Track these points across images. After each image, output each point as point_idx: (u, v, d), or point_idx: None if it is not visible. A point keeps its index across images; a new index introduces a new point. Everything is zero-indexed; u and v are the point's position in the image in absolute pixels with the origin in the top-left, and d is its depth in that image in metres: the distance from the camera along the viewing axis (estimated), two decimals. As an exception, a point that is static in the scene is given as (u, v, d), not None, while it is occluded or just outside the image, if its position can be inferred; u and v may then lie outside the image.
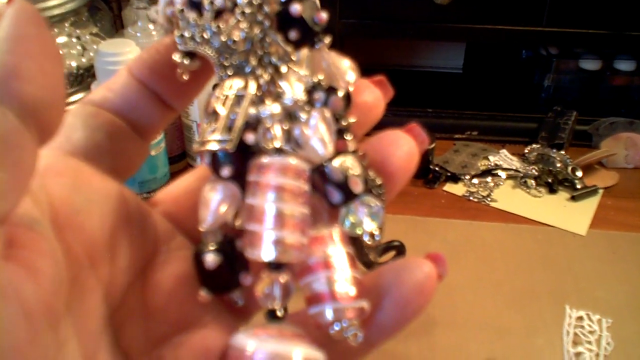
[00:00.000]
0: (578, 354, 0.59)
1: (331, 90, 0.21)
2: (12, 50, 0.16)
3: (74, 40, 0.78)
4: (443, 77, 1.09)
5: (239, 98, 0.20)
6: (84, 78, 0.76)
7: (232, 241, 0.21)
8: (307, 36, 0.21)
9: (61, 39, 0.77)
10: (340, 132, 0.21)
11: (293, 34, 0.21)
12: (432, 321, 0.62)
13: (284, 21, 0.21)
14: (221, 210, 0.20)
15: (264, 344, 0.18)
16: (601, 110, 0.95)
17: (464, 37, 1.01)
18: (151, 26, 0.78)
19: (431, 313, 0.63)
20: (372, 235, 0.20)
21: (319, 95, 0.20)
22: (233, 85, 0.20)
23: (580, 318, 0.62)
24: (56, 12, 0.76)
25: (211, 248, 0.20)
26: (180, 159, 0.81)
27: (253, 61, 0.21)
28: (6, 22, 0.17)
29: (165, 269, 0.22)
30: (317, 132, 0.20)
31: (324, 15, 0.21)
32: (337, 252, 0.20)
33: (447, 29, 0.93)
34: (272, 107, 0.20)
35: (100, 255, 0.19)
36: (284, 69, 0.21)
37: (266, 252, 0.19)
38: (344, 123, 0.21)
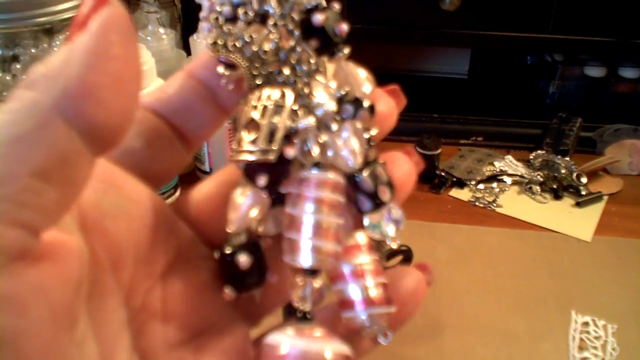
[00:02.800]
0: (584, 359, 0.59)
1: (358, 102, 0.22)
2: (92, 66, 0.15)
3: (85, 43, 0.79)
4: (448, 83, 1.09)
5: (277, 108, 0.20)
6: (94, 81, 0.77)
7: (257, 243, 0.22)
8: (327, 46, 0.22)
9: (72, 42, 0.77)
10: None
11: (313, 43, 0.21)
12: (440, 325, 0.63)
13: (306, 30, 0.21)
14: (251, 214, 0.21)
15: (297, 342, 0.19)
16: (606, 117, 0.95)
17: (469, 43, 1.01)
18: (162, 30, 0.79)
19: (438, 317, 0.64)
20: (394, 240, 0.22)
21: (347, 108, 0.21)
22: (272, 95, 0.21)
23: (585, 323, 0.63)
24: (67, 15, 0.76)
25: (241, 249, 0.21)
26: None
27: (286, 71, 0.21)
28: (93, 30, 0.16)
29: (186, 276, 0.22)
30: (348, 144, 0.21)
31: (345, 27, 0.21)
32: (368, 260, 0.21)
33: (453, 34, 0.93)
34: (308, 120, 0.21)
35: (123, 260, 0.20)
36: (318, 78, 0.21)
37: (304, 259, 0.20)
38: (368, 134, 0.22)
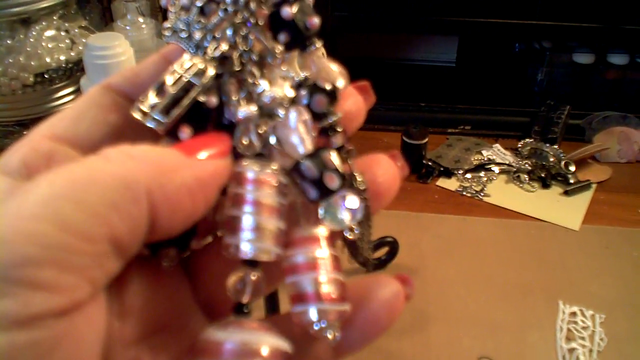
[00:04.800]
0: (571, 350, 0.58)
1: (315, 87, 0.21)
2: (191, 188, 0.18)
3: (63, 33, 0.77)
4: (436, 71, 1.08)
5: (191, 84, 0.20)
6: (72, 72, 0.75)
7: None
8: (298, 40, 0.21)
9: (49, 33, 0.75)
10: (327, 129, 0.21)
11: (282, 37, 0.21)
12: (426, 317, 0.62)
13: (276, 23, 0.21)
14: None
15: (233, 335, 0.19)
16: (594, 104, 0.95)
17: (456, 31, 1.00)
18: (141, 19, 0.77)
19: (424, 309, 0.63)
20: (350, 229, 0.21)
21: (302, 93, 0.21)
22: (192, 68, 0.20)
23: (573, 314, 0.62)
24: (44, 4, 0.75)
25: None
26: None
27: (224, 47, 0.21)
28: (209, 171, 0.19)
29: (143, 271, 0.21)
30: (295, 130, 0.20)
31: (316, 21, 0.21)
32: (324, 254, 0.21)
33: (440, 22, 0.92)
34: (249, 108, 0.20)
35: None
36: (275, 66, 0.21)
37: (244, 248, 0.19)
38: (330, 120, 0.21)
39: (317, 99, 0.21)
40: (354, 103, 0.24)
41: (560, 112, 0.90)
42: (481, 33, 0.96)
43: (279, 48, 0.21)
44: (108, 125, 0.21)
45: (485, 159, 0.85)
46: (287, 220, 0.21)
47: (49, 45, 0.74)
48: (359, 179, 0.22)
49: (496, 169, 0.84)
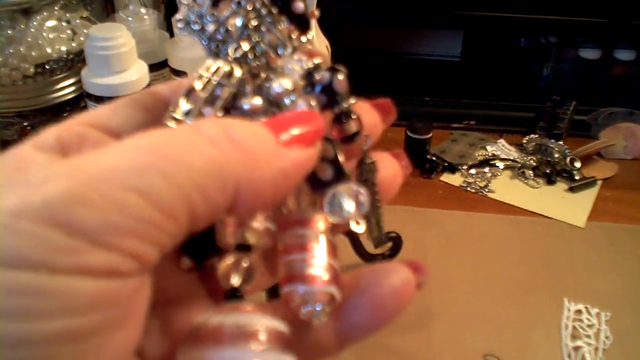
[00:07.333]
0: (577, 348, 0.58)
1: (334, 69, 0.21)
2: (275, 178, 0.18)
3: (64, 24, 0.76)
4: (441, 65, 1.07)
5: (220, 85, 0.20)
6: (74, 63, 0.74)
7: None
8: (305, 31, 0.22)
9: (50, 23, 0.75)
10: (340, 116, 0.21)
11: (293, 29, 0.21)
12: (429, 313, 0.61)
13: (286, 15, 0.21)
14: None
15: (228, 317, 0.19)
16: (600, 100, 0.94)
17: (462, 25, 0.99)
18: (143, 10, 0.76)
19: (428, 305, 0.62)
20: (355, 219, 0.21)
21: (322, 75, 0.20)
22: (220, 70, 0.20)
23: (578, 311, 0.62)
24: (45, -6, 0.74)
25: None
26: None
27: (245, 47, 0.20)
28: (294, 160, 0.18)
29: None
30: None
31: (300, 5, 0.21)
32: (318, 238, 0.20)
33: (445, 16, 0.91)
34: (253, 101, 0.20)
35: None
36: (287, 53, 0.20)
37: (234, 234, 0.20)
38: (345, 105, 0.21)
39: (337, 79, 0.21)
40: (369, 120, 0.23)
41: (565, 108, 0.89)
42: (487, 27, 0.95)
43: (293, 36, 0.21)
44: (143, 124, 0.21)
45: (490, 154, 0.84)
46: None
47: (50, 36, 0.73)
48: (369, 162, 0.21)
49: (501, 164, 0.83)
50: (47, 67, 0.72)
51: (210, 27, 0.21)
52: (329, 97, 0.20)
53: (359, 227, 0.21)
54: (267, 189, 0.18)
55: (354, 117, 0.21)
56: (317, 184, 0.20)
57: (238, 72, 0.20)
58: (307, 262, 0.20)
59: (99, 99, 0.65)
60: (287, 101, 0.20)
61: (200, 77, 0.20)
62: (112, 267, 0.15)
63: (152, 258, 0.16)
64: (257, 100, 0.20)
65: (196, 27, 0.21)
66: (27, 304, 0.15)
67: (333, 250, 0.21)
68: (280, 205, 0.21)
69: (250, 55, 0.21)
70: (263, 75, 0.20)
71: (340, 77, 0.21)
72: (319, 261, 0.20)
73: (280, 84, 0.20)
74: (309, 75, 0.21)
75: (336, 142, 0.21)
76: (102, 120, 0.21)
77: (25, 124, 0.73)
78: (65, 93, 0.73)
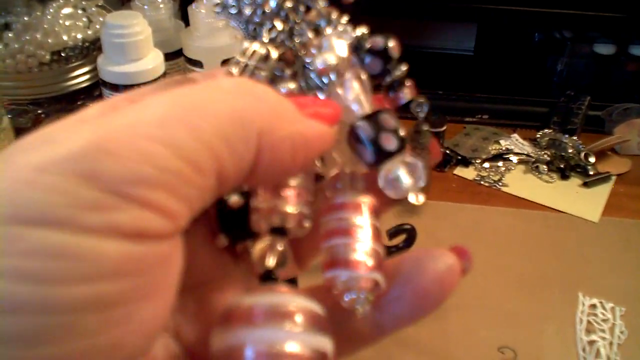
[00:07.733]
0: (591, 342, 0.58)
1: (386, 35, 0.21)
2: (295, 143, 0.17)
3: (80, 12, 0.76)
4: (454, 59, 1.07)
5: (257, 69, 0.20)
6: (89, 51, 0.74)
7: (249, 195, 0.21)
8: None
9: (66, 10, 0.75)
10: (393, 85, 0.21)
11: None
12: (443, 306, 0.61)
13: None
14: None
15: (262, 298, 0.18)
16: (615, 95, 0.93)
17: (475, 18, 0.99)
18: (159, -2, 0.76)
19: (442, 298, 0.62)
20: (413, 191, 0.20)
21: (375, 41, 0.20)
22: (256, 54, 0.20)
23: (593, 306, 0.61)
24: (61, -18, 0.74)
25: (234, 193, 0.21)
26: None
27: (279, 27, 0.20)
28: (313, 133, 0.18)
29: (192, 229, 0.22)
30: (351, 91, 0.20)
31: None
32: (363, 222, 0.20)
33: (459, 9, 0.91)
34: (288, 85, 0.20)
35: None
36: (327, 30, 0.20)
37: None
38: (397, 72, 0.21)
39: (392, 45, 0.20)
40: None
41: (580, 103, 0.89)
42: (500, 21, 0.95)
43: (333, 16, 0.21)
44: None
45: (504, 148, 0.84)
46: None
47: (66, 23, 0.73)
48: (425, 129, 0.21)
49: (514, 158, 0.83)
50: (62, 54, 0.72)
51: (247, 10, 0.21)
52: (383, 64, 0.20)
53: (418, 200, 0.20)
54: (285, 149, 0.17)
55: (407, 84, 0.21)
56: (380, 155, 0.20)
57: (274, 53, 0.20)
58: (351, 246, 0.19)
59: (115, 87, 0.65)
60: (332, 77, 0.20)
61: (237, 63, 0.20)
62: (142, 226, 0.15)
63: (183, 217, 0.16)
64: (293, 85, 0.20)
65: (233, 10, 0.21)
66: (50, 266, 0.13)
67: (377, 235, 0.20)
68: (322, 186, 0.21)
69: (287, 36, 0.20)
70: (303, 53, 0.20)
71: (393, 42, 0.20)
72: (363, 246, 0.19)
73: (323, 60, 0.19)
74: (358, 44, 0.20)
75: (392, 111, 0.20)
76: (144, 98, 0.20)
77: (39, 111, 0.73)
78: (80, 81, 0.73)
